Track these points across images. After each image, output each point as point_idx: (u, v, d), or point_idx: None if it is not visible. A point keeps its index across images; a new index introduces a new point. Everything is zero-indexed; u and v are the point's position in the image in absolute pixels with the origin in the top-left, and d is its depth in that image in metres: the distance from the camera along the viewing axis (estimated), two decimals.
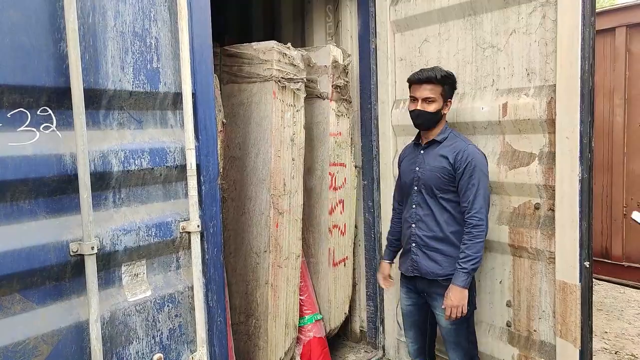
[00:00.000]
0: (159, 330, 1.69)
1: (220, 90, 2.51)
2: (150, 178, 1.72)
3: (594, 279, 4.84)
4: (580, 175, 2.19)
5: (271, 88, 2.57)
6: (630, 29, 4.39)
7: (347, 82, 3.11)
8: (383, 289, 3.14)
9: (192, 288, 1.78)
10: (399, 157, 2.55)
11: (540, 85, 2.36)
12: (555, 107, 2.26)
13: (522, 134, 2.44)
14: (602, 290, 4.93)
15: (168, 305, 1.73)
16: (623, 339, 3.83)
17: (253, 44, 2.63)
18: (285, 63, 2.63)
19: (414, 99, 2.29)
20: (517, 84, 2.43)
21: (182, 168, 1.81)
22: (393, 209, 2.61)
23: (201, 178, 1.87)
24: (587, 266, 2.20)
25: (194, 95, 1.85)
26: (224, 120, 2.28)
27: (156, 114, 1.79)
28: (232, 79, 2.67)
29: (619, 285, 4.65)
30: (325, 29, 3.54)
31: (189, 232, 1.79)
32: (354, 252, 3.33)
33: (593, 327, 3.94)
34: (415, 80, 2.28)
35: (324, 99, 3.00)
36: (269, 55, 2.57)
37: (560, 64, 2.23)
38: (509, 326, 2.57)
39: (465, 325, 2.27)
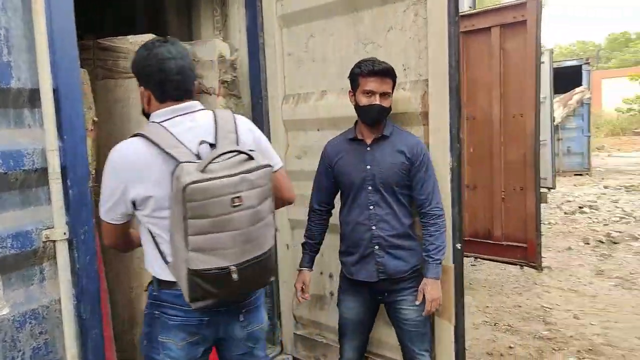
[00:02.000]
0: (20, 350, 1.54)
1: (95, 86, 2.35)
2: (4, 184, 1.56)
3: (479, 259, 5.25)
4: (451, 164, 2.34)
5: None
6: (504, 28, 4.77)
7: (235, 77, 3.06)
8: (279, 283, 3.14)
9: (59, 301, 1.65)
10: (326, 156, 2.37)
11: (415, 79, 2.48)
12: (428, 101, 2.40)
13: (403, 126, 2.55)
14: (487, 268, 5.35)
15: (30, 322, 1.58)
16: (502, 312, 4.19)
17: (129, 37, 2.49)
18: None
19: (370, 93, 2.16)
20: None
21: (44, 171, 1.67)
22: (312, 211, 2.44)
23: (67, 181, 1.73)
24: (459, 248, 2.36)
25: (55, 91, 1.70)
26: (95, 118, 2.14)
27: (9, 112, 1.63)
28: (107, 74, 2.52)
29: (501, 264, 5.08)
30: (213, 22, 3.45)
31: (54, 241, 1.65)
32: None
33: (477, 303, 4.30)
34: (377, 73, 2.15)
35: (211, 94, 2.93)
36: None
37: (431, 60, 2.37)
38: None
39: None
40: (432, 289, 2.15)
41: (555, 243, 6.29)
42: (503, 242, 4.98)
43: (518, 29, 4.68)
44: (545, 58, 8.48)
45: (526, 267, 4.94)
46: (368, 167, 2.22)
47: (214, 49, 2.92)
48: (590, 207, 7.88)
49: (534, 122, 4.67)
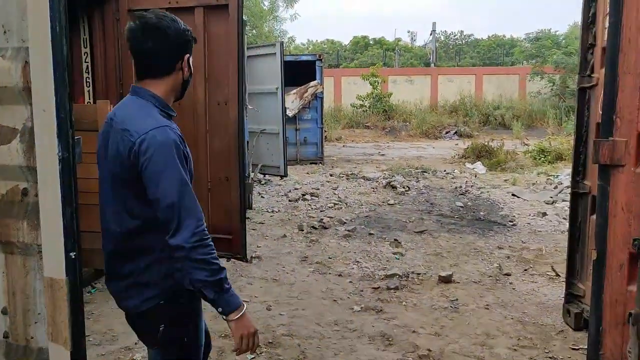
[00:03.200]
0: None
1: None
2: None
3: None
4: (60, 154, 1.89)
5: None
6: (208, 10, 4.55)
7: None
8: None
9: None
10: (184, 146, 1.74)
11: (17, 46, 1.93)
12: (30, 74, 1.89)
13: (3, 105, 1.99)
14: None
15: None
16: None
17: None
18: None
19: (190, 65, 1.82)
20: None
21: None
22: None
23: None
24: (73, 257, 1.94)
25: None
26: None
27: None
28: None
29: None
30: None
31: None
32: None
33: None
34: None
35: None
36: None
37: (31, 23, 1.86)
38: (7, 337, 2.14)
39: None
40: None
41: (273, 231, 6.51)
42: (212, 235, 4.81)
43: (221, 12, 4.52)
44: (276, 50, 8.79)
45: (234, 259, 4.89)
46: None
47: None
48: (312, 194, 8.50)
49: (237, 110, 4.58)
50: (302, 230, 6.58)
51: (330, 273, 5.06)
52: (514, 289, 4.62)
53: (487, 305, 4.24)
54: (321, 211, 7.62)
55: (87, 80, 5.10)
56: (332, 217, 7.15)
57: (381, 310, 4.13)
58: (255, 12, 20.27)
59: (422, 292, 4.55)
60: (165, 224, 1.60)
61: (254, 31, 20.96)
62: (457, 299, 4.34)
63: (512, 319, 3.97)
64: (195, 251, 1.58)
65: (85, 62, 5.05)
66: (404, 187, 9.13)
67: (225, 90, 4.58)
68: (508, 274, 4.96)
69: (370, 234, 6.41)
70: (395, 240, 6.11)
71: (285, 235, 6.33)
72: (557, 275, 4.80)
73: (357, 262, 5.37)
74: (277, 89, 8.98)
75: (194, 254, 1.58)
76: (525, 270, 5.13)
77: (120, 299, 1.85)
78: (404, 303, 4.29)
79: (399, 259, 5.51)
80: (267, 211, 7.54)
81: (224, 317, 1.67)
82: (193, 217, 1.62)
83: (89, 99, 5.11)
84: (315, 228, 6.68)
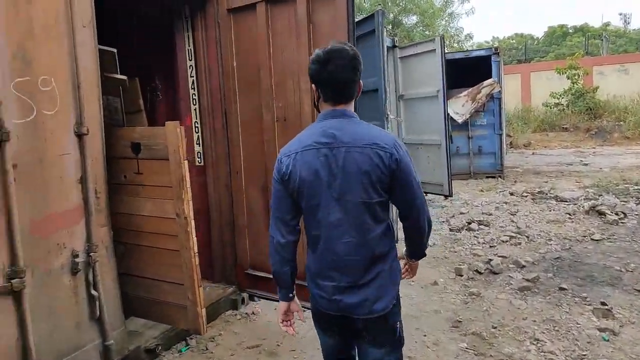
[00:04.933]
0: None
1: None
2: None
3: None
4: None
5: None
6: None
7: None
8: None
9: None
10: None
11: None
12: None
13: None
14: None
15: None
16: None
17: None
18: None
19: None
20: None
21: None
22: None
23: None
24: None
25: None
26: None
27: None
28: None
29: None
30: None
31: None
32: None
33: None
34: None
35: None
36: None
37: None
38: None
39: None
40: None
41: (422, 274, 5.03)
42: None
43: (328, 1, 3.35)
44: (435, 45, 7.26)
45: None
46: None
47: None
48: (481, 222, 6.70)
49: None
50: (461, 276, 4.97)
51: (491, 356, 3.43)
52: None
53: None
54: (491, 247, 5.84)
55: (193, 97, 4.41)
56: (505, 257, 5.35)
57: None
58: (425, 9, 18.64)
59: None
60: (410, 217, 1.93)
61: (427, 32, 19.36)
62: None
63: None
64: (430, 229, 2.01)
65: (191, 76, 4.36)
66: (617, 214, 6.67)
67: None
68: None
69: (562, 288, 4.48)
70: (603, 304, 4.10)
71: (436, 283, 4.82)
72: None
73: (537, 340, 3.60)
74: (437, 91, 7.42)
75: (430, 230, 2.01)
76: None
77: (361, 307, 1.88)
78: None
79: (608, 340, 3.57)
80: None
81: (415, 259, 2.15)
82: (427, 208, 1.96)
83: (196, 119, 4.42)
84: (480, 273, 5.01)
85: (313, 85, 1.91)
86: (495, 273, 4.98)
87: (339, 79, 1.83)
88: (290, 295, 2.07)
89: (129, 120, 4.27)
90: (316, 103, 1.95)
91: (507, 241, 5.97)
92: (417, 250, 2.08)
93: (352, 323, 1.93)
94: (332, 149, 1.80)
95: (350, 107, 1.92)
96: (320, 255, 1.91)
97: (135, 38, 4.59)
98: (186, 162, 3.05)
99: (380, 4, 17.31)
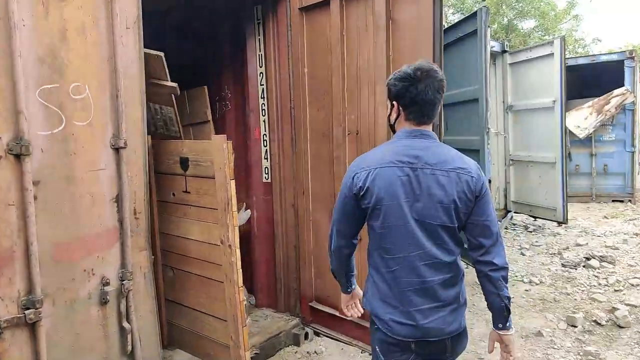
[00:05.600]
0: None
1: None
2: None
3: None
4: None
5: None
6: None
7: None
8: None
9: None
10: None
11: None
12: None
13: None
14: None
15: None
16: None
17: None
18: None
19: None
20: None
21: None
22: None
23: None
24: None
25: None
26: None
27: None
28: None
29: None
30: None
31: None
32: None
33: None
34: None
35: None
36: None
37: None
38: None
39: None
40: None
41: (524, 320, 4.18)
42: None
43: None
44: (553, 49, 6.28)
45: None
46: None
47: None
48: (604, 258, 5.56)
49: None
50: (574, 327, 4.04)
51: None
52: None
53: None
54: (616, 291, 4.76)
55: (263, 107, 4.05)
56: (634, 307, 4.30)
57: None
58: (546, 12, 16.85)
59: None
60: (484, 246, 1.82)
61: (546, 37, 17.56)
62: None
63: None
64: (507, 272, 1.86)
65: (261, 84, 4.01)
66: None
67: None
68: None
69: None
70: None
71: (540, 333, 3.94)
72: None
73: None
74: (554, 102, 6.40)
75: (507, 274, 1.86)
76: None
77: (439, 328, 1.84)
78: None
79: None
80: (523, 280, 5.14)
81: (506, 332, 1.87)
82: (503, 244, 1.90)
83: (265, 131, 4.05)
84: (600, 325, 4.04)
85: (393, 102, 1.86)
86: (620, 327, 3.98)
87: (427, 99, 1.80)
88: (349, 290, 2.11)
89: (195, 132, 4.03)
90: (393, 122, 1.89)
91: (637, 285, 4.84)
92: (497, 304, 1.84)
93: (433, 346, 1.84)
94: (415, 170, 1.77)
95: (430, 128, 1.87)
96: (395, 278, 1.84)
97: (205, 44, 4.36)
98: (233, 181, 2.65)
99: (488, 7, 16.01)
